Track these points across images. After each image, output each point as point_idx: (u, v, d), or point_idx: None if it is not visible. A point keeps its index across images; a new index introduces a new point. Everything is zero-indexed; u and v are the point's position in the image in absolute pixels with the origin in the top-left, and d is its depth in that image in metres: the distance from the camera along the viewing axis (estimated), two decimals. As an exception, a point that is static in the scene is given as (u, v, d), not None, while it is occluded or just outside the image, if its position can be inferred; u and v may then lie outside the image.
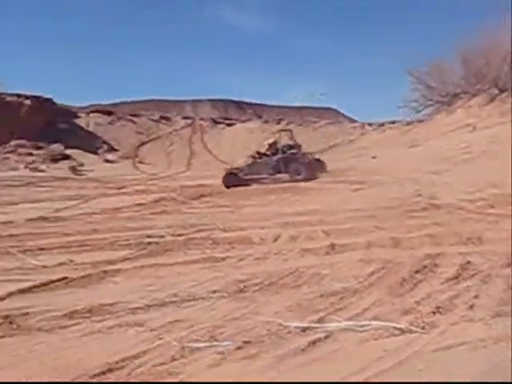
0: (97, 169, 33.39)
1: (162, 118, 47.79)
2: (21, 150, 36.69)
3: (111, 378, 5.79)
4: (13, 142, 37.00)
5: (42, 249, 12.23)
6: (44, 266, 10.59)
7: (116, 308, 7.98)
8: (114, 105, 51.70)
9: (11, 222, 15.89)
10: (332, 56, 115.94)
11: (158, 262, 11.10)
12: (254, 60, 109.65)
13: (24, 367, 6.06)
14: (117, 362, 6.11)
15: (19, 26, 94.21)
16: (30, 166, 33.85)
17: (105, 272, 10.16)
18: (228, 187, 22.02)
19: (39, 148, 37.12)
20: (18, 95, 40.63)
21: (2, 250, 12.03)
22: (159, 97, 59.97)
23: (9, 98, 40.46)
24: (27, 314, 7.73)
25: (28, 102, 40.16)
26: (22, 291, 8.91)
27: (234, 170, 23.93)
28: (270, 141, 25.92)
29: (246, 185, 22.89)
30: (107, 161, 37.30)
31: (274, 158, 24.36)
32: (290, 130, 30.17)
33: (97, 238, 13.49)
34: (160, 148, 40.22)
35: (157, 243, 12.94)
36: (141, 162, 36.65)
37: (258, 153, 25.17)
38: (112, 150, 40.33)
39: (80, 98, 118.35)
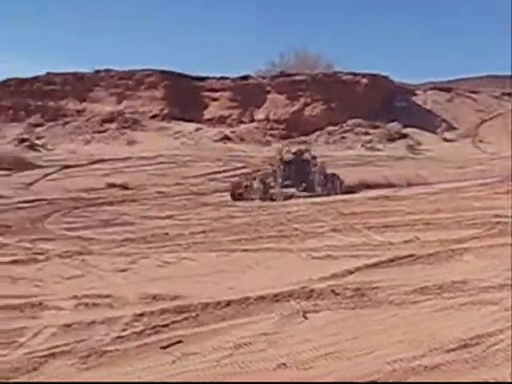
0: (435, 148, 33.45)
1: (503, 94, 45.73)
2: (357, 129, 38.18)
3: (465, 353, 5.97)
4: (349, 121, 38.66)
5: (387, 226, 12.90)
6: (390, 243, 11.21)
7: (467, 286, 8.18)
8: (450, 82, 50.63)
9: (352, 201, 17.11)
10: None
11: (508, 241, 11.02)
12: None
13: (374, 338, 6.59)
14: (471, 339, 6.30)
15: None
16: (367, 145, 35.28)
17: (452, 250, 10.41)
18: (273, 200, 19.75)
19: (376, 127, 38.18)
20: (354, 74, 42.10)
21: (346, 227, 12.96)
22: (497, 72, 57.17)
23: (345, 77, 42.19)
24: (377, 287, 8.32)
25: (364, 80, 41.33)
26: (369, 266, 9.58)
27: (263, 179, 21.56)
28: (295, 149, 23.49)
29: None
30: (446, 140, 37.02)
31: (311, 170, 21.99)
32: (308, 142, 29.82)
33: (441, 217, 13.80)
34: (501, 126, 38.50)
35: (506, 223, 12.78)
36: (481, 141, 35.74)
37: (284, 161, 22.70)
38: (451, 128, 39.79)
39: (416, 74, 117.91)
